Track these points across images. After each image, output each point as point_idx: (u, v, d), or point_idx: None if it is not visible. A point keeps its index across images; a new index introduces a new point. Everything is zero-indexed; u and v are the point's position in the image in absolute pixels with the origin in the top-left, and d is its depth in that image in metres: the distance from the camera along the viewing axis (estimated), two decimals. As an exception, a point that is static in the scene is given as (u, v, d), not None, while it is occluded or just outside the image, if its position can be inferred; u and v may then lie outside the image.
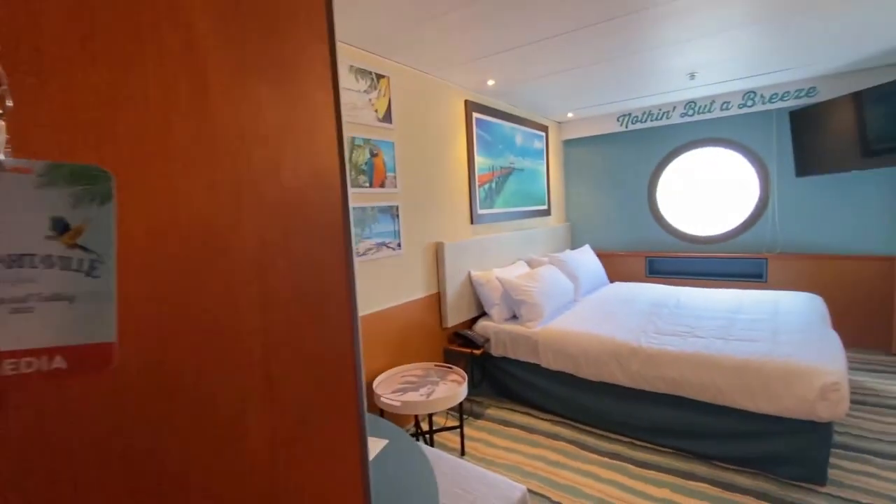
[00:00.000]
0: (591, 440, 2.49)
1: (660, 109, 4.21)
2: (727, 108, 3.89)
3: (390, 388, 2.30)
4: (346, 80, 2.26)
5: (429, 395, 2.18)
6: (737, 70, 3.19)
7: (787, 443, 2.01)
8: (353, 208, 2.30)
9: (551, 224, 4.65)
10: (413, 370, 2.54)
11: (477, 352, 2.87)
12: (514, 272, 3.34)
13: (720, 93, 3.83)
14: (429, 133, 2.88)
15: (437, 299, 2.96)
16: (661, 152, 4.40)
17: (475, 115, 3.32)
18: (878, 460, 2.14)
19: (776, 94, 3.66)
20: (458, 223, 3.19)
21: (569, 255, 3.83)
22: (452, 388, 2.27)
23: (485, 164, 3.46)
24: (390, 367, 2.54)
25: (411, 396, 2.17)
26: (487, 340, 3.01)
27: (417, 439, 2.40)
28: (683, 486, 2.05)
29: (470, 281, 3.17)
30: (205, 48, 0.40)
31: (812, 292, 3.61)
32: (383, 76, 2.49)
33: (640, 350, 2.39)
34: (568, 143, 4.97)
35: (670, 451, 2.33)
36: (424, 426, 2.54)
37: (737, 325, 2.63)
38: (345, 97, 2.19)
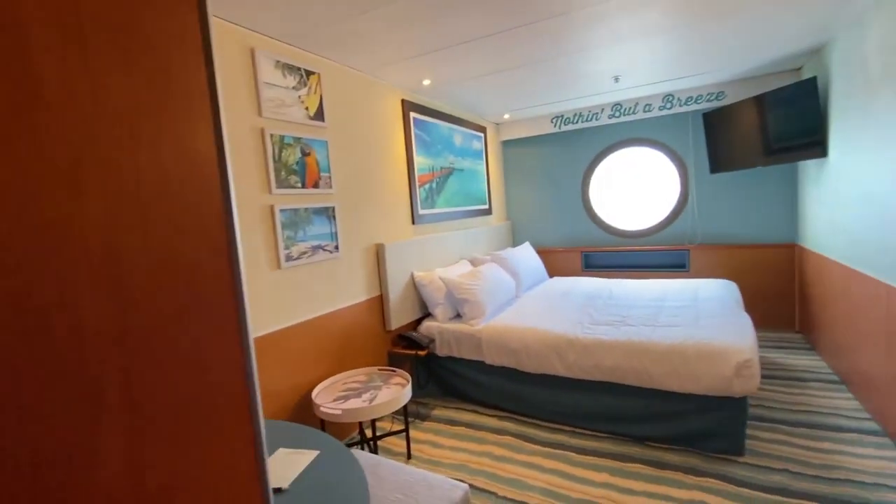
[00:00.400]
0: (534, 432, 2.54)
1: (590, 111, 4.41)
2: (649, 110, 4.16)
3: (331, 396, 2.21)
4: (271, 75, 2.15)
5: (371, 400, 2.12)
6: (656, 74, 3.42)
7: (709, 419, 2.17)
8: (285, 210, 2.20)
9: (493, 223, 4.72)
10: (356, 376, 2.46)
11: (422, 353, 2.84)
12: (457, 271, 3.35)
13: (642, 95, 4.08)
14: (365, 132, 2.81)
15: (380, 302, 2.90)
16: (593, 152, 4.62)
17: (413, 114, 3.30)
18: (788, 428, 2.36)
19: (691, 97, 3.96)
20: (399, 224, 3.15)
21: (510, 252, 3.91)
22: (396, 391, 2.22)
23: (425, 165, 3.45)
24: (332, 375, 2.45)
25: (353, 403, 2.10)
26: (432, 341, 2.99)
27: (362, 447, 2.34)
28: (621, 468, 2.14)
29: (413, 282, 3.14)
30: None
31: (728, 279, 3.94)
32: (313, 73, 2.40)
33: (577, 341, 2.48)
34: (506, 144, 5.08)
35: (608, 436, 2.43)
36: (370, 433, 2.47)
37: (663, 313, 2.80)
38: (271, 93, 2.09)
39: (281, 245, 2.17)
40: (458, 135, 4.00)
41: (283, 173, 2.20)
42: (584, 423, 2.51)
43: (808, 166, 3.43)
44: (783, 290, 3.89)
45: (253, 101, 2.07)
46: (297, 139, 2.29)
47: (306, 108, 2.36)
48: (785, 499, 1.84)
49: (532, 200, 5.03)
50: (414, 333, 2.96)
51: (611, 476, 2.09)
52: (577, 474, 2.12)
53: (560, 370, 2.52)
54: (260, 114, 2.10)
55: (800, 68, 3.53)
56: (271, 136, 2.14)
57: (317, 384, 2.32)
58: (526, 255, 4.12)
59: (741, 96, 3.69)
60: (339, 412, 2.02)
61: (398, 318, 2.96)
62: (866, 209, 2.41)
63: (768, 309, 3.93)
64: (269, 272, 2.13)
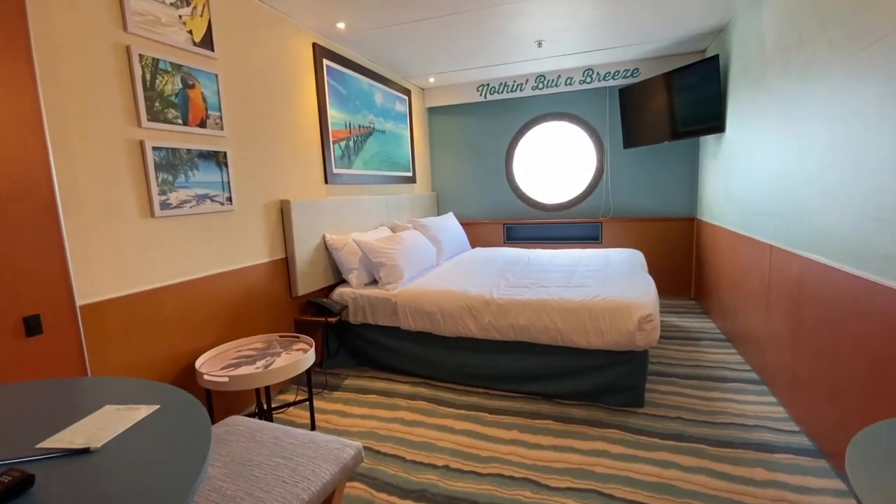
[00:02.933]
0: (449, 396, 2.47)
1: (514, 81, 4.38)
2: (570, 84, 4.21)
3: (220, 364, 1.95)
4: (140, -17, 1.78)
5: (267, 366, 1.90)
6: (577, 43, 3.43)
7: (613, 373, 2.23)
8: (160, 148, 1.86)
9: (417, 192, 4.57)
10: (252, 343, 2.21)
11: (332, 320, 2.64)
12: (374, 236, 3.17)
13: (564, 67, 4.12)
14: (267, 72, 2.49)
15: (285, 264, 2.64)
16: (517, 124, 4.61)
17: (326, 62, 3.01)
18: (681, 381, 2.51)
19: (609, 72, 4.06)
20: (309, 181, 2.88)
21: (432, 220, 3.79)
22: (296, 357, 2.02)
23: (340, 120, 3.18)
24: (223, 342, 2.17)
25: (245, 370, 1.87)
26: (345, 308, 2.80)
27: (262, 418, 2.10)
28: (531, 425, 2.14)
29: (325, 245, 2.91)
30: None
31: (634, 248, 4.17)
32: (198, -9, 2.04)
33: (492, 301, 2.43)
34: (433, 112, 4.92)
35: (520, 395, 2.43)
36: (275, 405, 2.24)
37: (575, 276, 2.86)
38: (140, 5, 1.74)
39: (154, 189, 1.84)
40: (380, 93, 3.76)
41: (157, 104, 1.86)
42: (498, 384, 2.48)
43: (708, 142, 3.68)
44: (681, 261, 4.20)
45: (114, 10, 1.70)
46: (178, 66, 1.94)
47: (189, 32, 2.00)
48: (679, 443, 1.93)
49: (457, 171, 4.94)
50: (325, 300, 2.75)
51: (520, 433, 2.07)
52: (488, 433, 2.09)
53: (475, 331, 2.46)
54: (125, 28, 1.73)
55: (705, 50, 3.75)
56: (141, 56, 1.78)
57: (204, 352, 2.04)
58: (448, 224, 4.02)
59: (654, 73, 3.84)
60: (225, 379, 1.78)
61: (306, 283, 2.72)
62: (753, 178, 2.60)
63: (668, 278, 4.22)
64: (138, 220, 1.79)
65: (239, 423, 1.37)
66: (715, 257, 3.45)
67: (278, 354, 2.05)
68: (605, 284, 2.54)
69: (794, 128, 2.08)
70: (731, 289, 3.03)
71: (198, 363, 1.90)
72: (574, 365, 2.31)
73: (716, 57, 3.12)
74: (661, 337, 3.02)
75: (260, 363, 1.95)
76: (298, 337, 2.24)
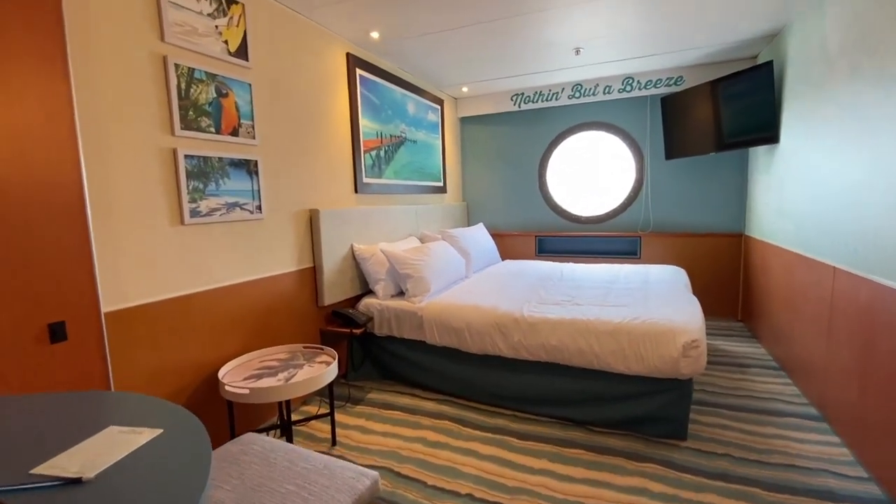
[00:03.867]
0: (475, 416, 2.36)
1: (550, 90, 4.27)
2: (609, 92, 4.06)
3: (242, 375, 1.92)
4: (179, -6, 1.81)
5: (288, 379, 1.86)
6: (617, 50, 3.29)
7: (653, 402, 2.06)
8: (192, 157, 1.87)
9: (448, 202, 4.51)
10: (276, 353, 2.18)
11: (357, 331, 2.59)
12: (402, 247, 3.11)
13: (603, 76, 3.97)
14: (301, 82, 2.50)
15: (312, 274, 2.62)
16: (551, 134, 4.48)
17: (360, 71, 3.00)
18: (729, 412, 2.30)
19: (650, 80, 3.89)
20: (339, 190, 2.86)
21: (461, 231, 3.71)
22: (319, 370, 1.96)
23: (371, 129, 3.17)
24: (248, 352, 2.15)
25: (266, 382, 1.83)
26: (370, 319, 2.74)
27: (281, 433, 2.07)
28: (562, 454, 2.00)
29: (353, 255, 2.87)
30: None
31: (676, 265, 3.93)
32: (235, 2, 2.06)
33: (522, 319, 2.31)
34: (465, 121, 4.86)
35: (551, 420, 2.29)
36: (296, 417, 2.20)
37: (613, 294, 2.69)
38: (178, 15, 1.76)
39: (185, 197, 1.85)
40: (412, 103, 3.74)
41: (191, 113, 1.87)
42: (527, 406, 2.35)
43: (759, 154, 3.44)
44: (728, 280, 3.93)
45: (152, 21, 1.72)
46: (212, 76, 1.96)
47: (225, 42, 2.02)
48: (727, 484, 1.74)
49: (489, 181, 4.85)
50: (350, 310, 2.70)
51: (550, 462, 1.94)
52: (516, 460, 1.96)
53: (504, 350, 2.34)
54: (162, 38, 1.75)
55: (755, 56, 3.52)
56: (177, 66, 1.80)
57: (227, 361, 2.02)
58: (478, 235, 3.93)
59: (699, 81, 3.65)
60: (246, 391, 1.74)
61: (333, 292, 2.69)
62: (813, 192, 2.38)
63: (713, 298, 3.96)
64: (168, 227, 1.80)
65: (254, 442, 1.31)
66: (766, 277, 3.19)
67: (301, 367, 2.01)
68: (646, 304, 2.37)
69: (865, 137, 1.87)
70: (786, 312, 2.78)
71: (221, 373, 1.88)
72: (610, 390, 2.15)
73: (769, 63, 2.91)
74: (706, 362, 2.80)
75: (282, 375, 1.90)
76: (322, 349, 2.20)
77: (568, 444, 2.07)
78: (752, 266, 3.58)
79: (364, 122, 3.07)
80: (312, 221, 2.58)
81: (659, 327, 2.03)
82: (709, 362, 2.96)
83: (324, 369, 1.95)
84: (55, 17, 1.27)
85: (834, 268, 2.10)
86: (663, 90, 3.88)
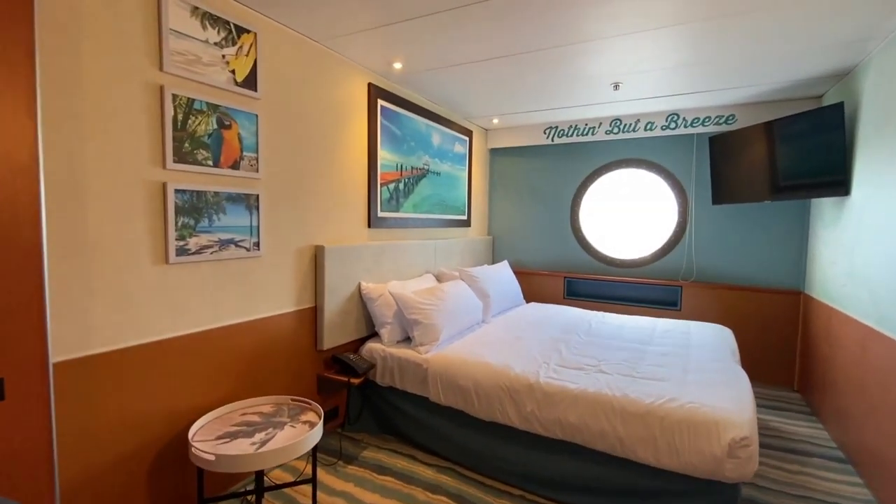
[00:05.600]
0: (476, 494, 2.06)
1: (586, 124, 4.02)
2: (651, 129, 3.77)
3: (217, 431, 1.74)
4: (185, 23, 1.72)
5: (262, 443, 1.65)
6: (660, 86, 3.02)
7: (690, 505, 1.71)
8: (184, 191, 1.75)
9: (471, 236, 4.29)
10: (260, 406, 1.99)
11: (355, 381, 2.37)
12: (415, 286, 2.90)
13: (645, 112, 3.69)
14: (315, 112, 2.38)
15: (313, 315, 2.44)
16: (586, 170, 4.21)
17: (381, 102, 2.88)
18: (784, 520, 1.90)
19: (697, 118, 3.57)
20: (349, 225, 2.70)
21: (481, 270, 3.47)
22: (300, 433, 1.75)
23: (391, 161, 3.02)
24: (236, 398, 1.98)
25: (236, 446, 1.63)
26: (372, 367, 2.52)
27: (257, 500, 1.85)
28: (573, 559, 1.67)
29: (360, 294, 2.69)
30: None
31: (722, 323, 3.52)
32: (247, 31, 1.97)
33: (537, 387, 2.02)
34: (495, 153, 4.67)
35: (564, 509, 1.97)
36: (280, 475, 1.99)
37: (646, 359, 2.35)
38: (181, 44, 1.67)
39: (172, 234, 1.72)
40: (437, 134, 3.58)
41: (187, 145, 1.76)
42: (538, 488, 2.03)
43: (824, 205, 3.03)
44: (783, 343, 3.46)
45: (150, 49, 1.63)
46: (215, 106, 1.85)
47: (232, 72, 1.92)
48: None
49: (517, 216, 4.60)
50: (352, 356, 2.50)
51: (559, 570, 1.62)
52: (517, 563, 1.65)
53: (514, 420, 2.06)
54: (161, 67, 1.66)
55: (821, 96, 3.16)
56: (174, 96, 1.70)
57: (204, 414, 1.84)
58: (501, 276, 3.68)
59: (754, 121, 3.30)
60: (211, 457, 1.54)
61: (334, 335, 2.50)
62: (894, 257, 2.00)
63: (764, 361, 3.50)
64: (149, 267, 1.67)
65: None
66: (831, 347, 2.75)
67: (282, 426, 1.80)
68: (685, 380, 2.03)
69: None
70: (856, 394, 2.34)
71: (193, 428, 1.70)
72: (636, 483, 1.81)
73: (840, 105, 2.55)
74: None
75: (258, 437, 1.70)
76: (309, 404, 1.99)
77: (582, 546, 1.74)
78: (812, 330, 3.12)
79: (383, 154, 2.93)
80: (317, 259, 2.42)
81: (699, 415, 1.70)
82: (761, 445, 2.53)
83: (306, 433, 1.73)
84: (24, 49, 1.16)
85: (926, 358, 1.71)
86: (712, 129, 3.55)
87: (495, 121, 4.13)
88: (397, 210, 3.12)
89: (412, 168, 3.27)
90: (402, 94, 3.10)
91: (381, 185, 2.94)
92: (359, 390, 2.65)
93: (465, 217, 4.12)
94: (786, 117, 2.90)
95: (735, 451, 1.59)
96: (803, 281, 3.38)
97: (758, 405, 3.09)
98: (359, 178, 2.75)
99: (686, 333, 2.88)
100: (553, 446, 1.99)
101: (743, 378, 2.09)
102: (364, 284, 2.68)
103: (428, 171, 3.48)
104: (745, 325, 3.54)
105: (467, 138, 4.08)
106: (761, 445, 2.53)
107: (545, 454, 2.01)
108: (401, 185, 3.14)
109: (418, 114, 3.29)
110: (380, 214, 2.93)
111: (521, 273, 4.46)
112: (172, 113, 1.70)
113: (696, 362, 2.28)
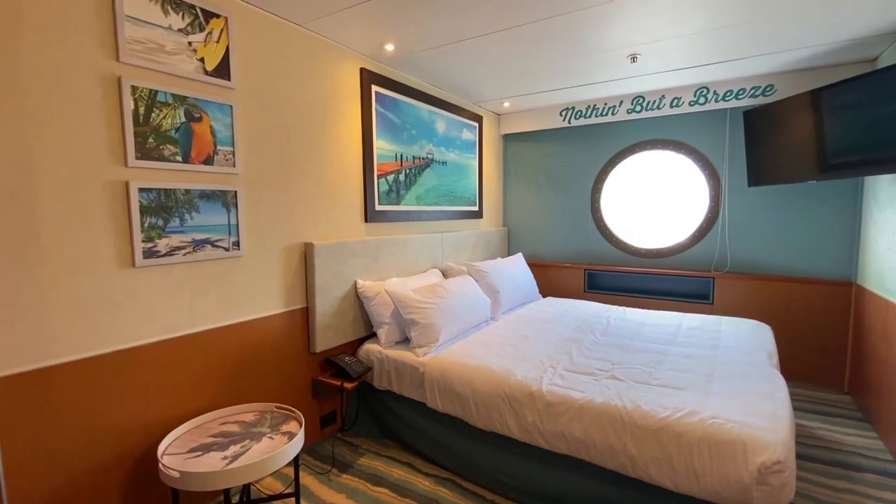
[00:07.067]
0: (475, 509, 1.90)
1: (605, 103, 3.71)
2: (677, 105, 3.43)
3: (192, 442, 1.64)
4: (143, 9, 1.60)
5: (235, 458, 1.54)
6: (685, 56, 2.70)
7: (713, 536, 1.48)
8: (150, 190, 1.64)
9: (484, 228, 4.08)
10: (243, 414, 1.89)
11: (348, 385, 2.24)
12: (418, 283, 2.74)
13: (669, 86, 3.36)
14: (300, 101, 2.24)
15: (305, 316, 2.32)
16: (608, 153, 3.91)
17: (375, 88, 2.71)
18: (829, 551, 1.64)
19: (730, 90, 3.21)
20: (344, 220, 2.56)
21: (492, 265, 3.27)
22: (278, 444, 1.63)
23: (389, 151, 2.85)
24: (221, 406, 1.88)
25: (207, 461, 1.52)
26: (369, 369, 2.39)
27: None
28: (577, 591, 1.49)
29: (357, 293, 2.55)
30: None
31: (760, 318, 3.19)
32: (216, 15, 1.84)
33: (539, 396, 1.82)
34: (508, 139, 4.42)
35: (571, 530, 1.77)
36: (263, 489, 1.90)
37: (666, 363, 2.11)
38: (139, 32, 1.55)
39: (137, 236, 1.62)
40: (442, 121, 3.38)
41: (151, 140, 1.65)
42: (542, 506, 1.85)
43: (879, 183, 2.65)
44: (831, 339, 3.10)
45: (105, 37, 1.52)
46: (182, 98, 1.73)
47: (201, 60, 1.80)
48: None
49: (533, 205, 4.35)
50: (347, 359, 2.37)
51: None
52: None
53: (515, 432, 1.87)
54: (117, 57, 1.54)
55: (875, 59, 2.75)
56: (134, 88, 1.59)
57: (187, 421, 1.75)
58: (513, 269, 3.46)
59: (795, 91, 2.93)
60: (175, 474, 1.44)
61: (327, 337, 2.37)
62: (974, 247, 1.66)
63: (810, 361, 3.15)
64: (114, 271, 1.57)
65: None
66: (889, 346, 2.40)
67: (260, 438, 1.69)
68: (709, 389, 1.78)
69: None
70: (920, 404, 2.02)
71: (164, 443, 1.61)
72: (651, 507, 1.60)
73: (899, 66, 2.18)
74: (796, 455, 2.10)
75: (232, 450, 1.59)
76: (292, 412, 1.87)
77: (588, 577, 1.55)
78: (866, 326, 2.76)
79: (380, 144, 2.76)
80: (306, 257, 2.29)
81: (723, 433, 1.46)
82: (803, 456, 2.25)
83: (284, 445, 1.61)
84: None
85: None
86: (747, 102, 3.18)
87: (506, 104, 3.88)
88: (398, 203, 2.96)
89: (414, 158, 3.09)
90: (399, 79, 2.92)
91: (379, 176, 2.77)
92: (356, 394, 2.52)
93: (476, 208, 3.91)
94: (836, 83, 2.53)
95: (766, 476, 1.35)
96: (855, 271, 3.00)
97: (802, 409, 2.77)
98: (353, 171, 2.60)
99: (716, 331, 2.59)
100: (558, 461, 1.80)
101: (780, 386, 1.82)
102: (360, 283, 2.54)
103: (432, 160, 3.29)
104: (787, 320, 3.19)
105: (476, 124, 3.86)
106: (803, 457, 2.24)
107: (550, 469, 1.82)
108: (401, 177, 2.97)
109: (419, 99, 3.10)
110: (378, 208, 2.78)
111: (538, 266, 4.22)
112: (133, 106, 1.59)
113: (725, 367, 2.02)
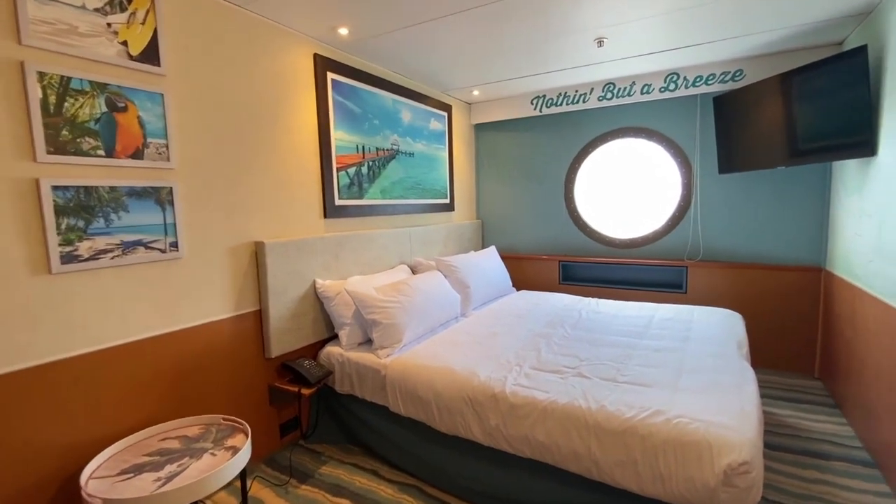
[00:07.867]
0: (439, 518, 1.81)
1: (576, 91, 3.63)
2: (648, 92, 3.36)
3: (124, 464, 1.50)
4: (48, -16, 1.42)
5: (169, 479, 1.41)
6: (653, 40, 2.62)
7: (680, 540, 1.42)
8: (66, 188, 1.48)
9: (456, 221, 3.97)
10: (187, 427, 1.75)
11: (306, 392, 2.12)
12: (384, 280, 2.62)
13: (640, 72, 3.28)
14: (244, 89, 2.08)
15: (258, 319, 2.19)
16: (580, 142, 3.83)
17: (332, 75, 2.56)
18: (798, 546, 1.60)
19: (700, 76, 3.15)
20: (299, 216, 2.42)
21: (462, 259, 3.17)
22: (220, 461, 1.51)
23: (349, 143, 2.71)
24: (153, 425, 1.74)
25: (137, 485, 1.39)
26: (329, 373, 2.27)
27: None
28: None
29: (316, 293, 2.42)
30: None
31: (732, 306, 3.17)
32: (140, -7, 1.67)
33: (502, 398, 1.73)
34: (480, 129, 4.31)
35: (537, 536, 1.70)
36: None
37: (635, 357, 2.04)
38: (45, 12, 1.39)
39: (53, 240, 1.46)
40: (407, 110, 3.25)
41: (65, 132, 1.48)
42: (508, 511, 1.77)
43: (847, 168, 2.63)
44: (802, 326, 3.10)
45: (2, 17, 1.34)
46: (101, 86, 1.57)
47: (124, 44, 1.63)
48: None
49: (507, 197, 4.26)
50: (305, 363, 2.25)
51: None
52: None
53: (478, 436, 1.78)
54: (18, 40, 1.37)
55: (841, 42, 2.72)
56: (41, 75, 1.42)
57: (123, 437, 1.61)
58: (485, 263, 3.37)
59: (764, 76, 2.88)
60: (98, 502, 1.31)
61: (283, 341, 2.24)
62: (940, 232, 1.62)
63: (781, 347, 3.15)
64: (26, 279, 1.41)
65: None
66: (856, 332, 2.39)
67: (199, 455, 1.56)
68: (676, 386, 1.71)
69: None
70: (885, 385, 2.00)
71: (91, 465, 1.47)
72: (617, 511, 1.53)
73: (863, 49, 2.14)
74: (765, 445, 2.06)
75: (166, 470, 1.46)
76: (239, 424, 1.74)
77: (553, 587, 1.48)
78: (835, 312, 2.76)
79: (338, 135, 2.62)
80: (258, 256, 2.15)
81: (688, 434, 1.39)
82: (772, 446, 2.22)
83: (226, 461, 1.49)
84: None
85: (978, 355, 1.36)
86: (717, 88, 3.13)
87: (475, 92, 3.76)
88: (361, 197, 2.82)
89: (377, 149, 2.95)
90: (358, 66, 2.77)
91: (338, 169, 2.63)
92: (318, 399, 2.40)
93: (447, 201, 3.80)
94: (801, 68, 2.48)
95: (732, 478, 1.29)
96: (824, 256, 3.00)
97: (773, 397, 2.76)
98: (309, 164, 2.46)
99: (688, 322, 2.55)
100: (524, 465, 1.72)
101: (749, 379, 1.77)
102: (319, 282, 2.41)
103: (398, 151, 3.16)
104: (760, 306, 3.18)
105: (445, 114, 3.73)
106: (773, 447, 2.22)
107: (519, 472, 1.74)
108: (363, 169, 2.84)
109: (382, 87, 2.96)
110: (338, 203, 2.64)
111: (512, 259, 4.14)
112: (41, 95, 1.42)
113: (694, 360, 1.96)
